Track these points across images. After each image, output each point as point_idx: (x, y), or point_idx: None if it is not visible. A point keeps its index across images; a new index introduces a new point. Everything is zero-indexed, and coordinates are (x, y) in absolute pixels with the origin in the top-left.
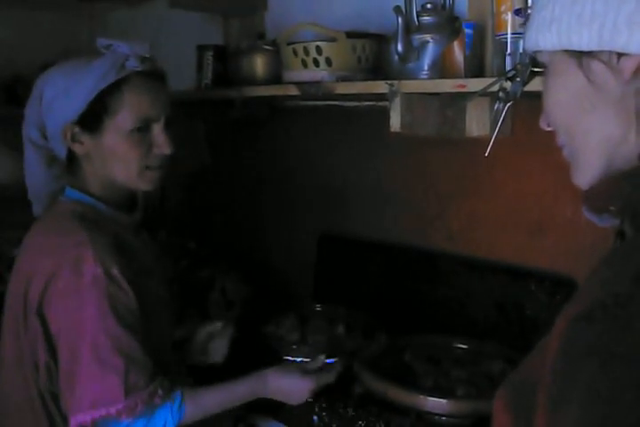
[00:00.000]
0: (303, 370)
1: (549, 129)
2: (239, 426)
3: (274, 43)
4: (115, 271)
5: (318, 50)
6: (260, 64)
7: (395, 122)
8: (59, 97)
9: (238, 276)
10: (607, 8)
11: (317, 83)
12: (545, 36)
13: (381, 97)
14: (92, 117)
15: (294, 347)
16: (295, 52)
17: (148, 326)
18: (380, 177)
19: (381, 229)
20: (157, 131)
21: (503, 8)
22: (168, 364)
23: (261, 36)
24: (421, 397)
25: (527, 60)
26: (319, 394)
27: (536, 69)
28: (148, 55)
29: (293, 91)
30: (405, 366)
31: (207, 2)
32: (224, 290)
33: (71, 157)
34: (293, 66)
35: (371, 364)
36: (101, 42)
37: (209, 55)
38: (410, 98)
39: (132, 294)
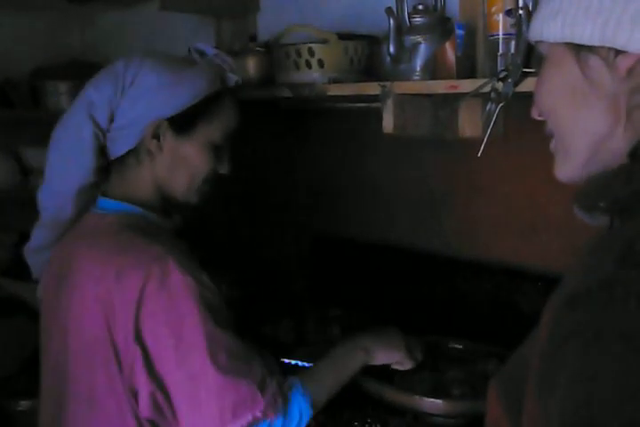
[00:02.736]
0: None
1: (540, 118)
2: None
3: (266, 45)
4: (204, 277)
5: (310, 51)
6: (252, 66)
7: (387, 123)
8: (158, 89)
9: (233, 277)
10: (614, 5)
11: (310, 84)
12: (549, 27)
13: (374, 98)
14: (188, 119)
15: (290, 348)
16: (287, 54)
17: None
18: (373, 178)
19: (376, 230)
20: (226, 150)
21: (494, 9)
22: None
23: (253, 37)
24: (417, 397)
25: (519, 61)
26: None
27: (527, 70)
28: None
29: (286, 92)
30: None
31: (199, 4)
32: (220, 292)
33: (129, 154)
34: (286, 68)
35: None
36: (198, 46)
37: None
38: (402, 99)
39: (220, 295)
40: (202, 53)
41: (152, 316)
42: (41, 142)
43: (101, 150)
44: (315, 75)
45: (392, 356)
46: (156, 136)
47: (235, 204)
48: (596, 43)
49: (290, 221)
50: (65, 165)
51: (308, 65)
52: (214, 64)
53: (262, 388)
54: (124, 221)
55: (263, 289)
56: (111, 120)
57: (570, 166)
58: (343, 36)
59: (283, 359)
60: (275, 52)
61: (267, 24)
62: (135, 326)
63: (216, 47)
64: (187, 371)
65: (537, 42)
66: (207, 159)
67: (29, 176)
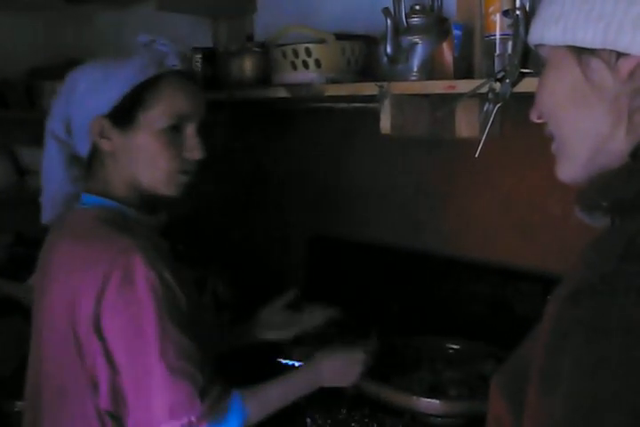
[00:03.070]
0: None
1: (539, 121)
2: None
3: (263, 45)
4: (167, 275)
5: (307, 52)
6: (249, 66)
7: (385, 123)
8: (93, 88)
9: (229, 278)
10: (616, 8)
11: (307, 85)
12: (550, 31)
13: (371, 99)
14: (126, 112)
15: (287, 348)
16: (284, 54)
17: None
18: (370, 178)
19: (373, 231)
20: (190, 133)
21: (491, 9)
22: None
23: (250, 38)
24: (414, 398)
25: (516, 62)
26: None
27: (525, 70)
28: (187, 54)
29: (283, 93)
30: (398, 366)
31: (195, 4)
32: (215, 292)
33: (93, 156)
34: (283, 68)
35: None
36: (142, 38)
37: (198, 58)
38: (400, 99)
39: (183, 296)
40: (150, 43)
41: (111, 308)
42: (37, 143)
43: (75, 157)
44: (312, 75)
45: (342, 384)
46: (104, 135)
47: (232, 204)
48: (597, 46)
49: (287, 221)
50: (46, 176)
51: (306, 65)
52: (153, 51)
53: (202, 394)
54: (102, 215)
55: (260, 289)
56: (69, 129)
57: (571, 167)
58: (340, 37)
59: (280, 360)
60: (272, 53)
61: (264, 24)
62: (95, 317)
63: (213, 48)
64: (138, 365)
65: (537, 45)
66: (163, 148)
67: (25, 176)
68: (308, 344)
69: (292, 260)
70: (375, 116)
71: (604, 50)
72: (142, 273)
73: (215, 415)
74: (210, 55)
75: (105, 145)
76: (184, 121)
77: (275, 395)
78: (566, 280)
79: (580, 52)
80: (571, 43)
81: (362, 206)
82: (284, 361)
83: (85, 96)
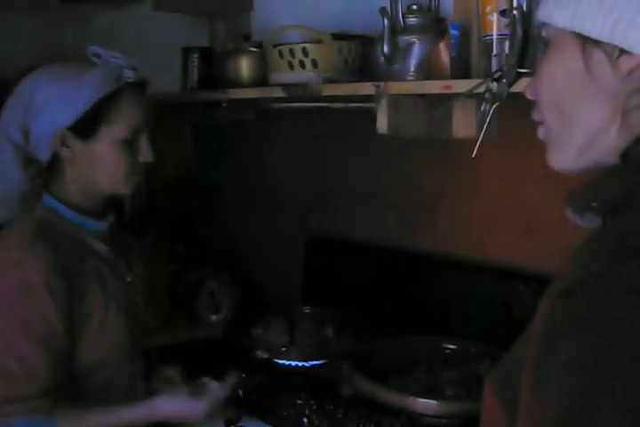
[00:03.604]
0: (193, 392)
1: (533, 98)
2: None
3: (260, 45)
4: (39, 279)
5: (304, 52)
6: (245, 66)
7: (381, 123)
8: (52, 103)
9: (227, 279)
10: (630, 3)
11: (304, 85)
12: (560, 12)
13: (368, 99)
14: (88, 125)
15: (283, 350)
16: (281, 54)
17: (96, 333)
18: (367, 178)
19: (369, 231)
20: (143, 140)
21: (488, 9)
22: (124, 368)
23: (247, 37)
24: (411, 398)
25: (513, 62)
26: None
27: (522, 70)
28: (136, 67)
29: (280, 93)
30: (394, 366)
31: (191, 4)
32: (212, 293)
33: (54, 160)
34: (279, 68)
35: (360, 365)
36: (93, 49)
37: (194, 57)
38: (396, 99)
39: (57, 305)
40: (98, 55)
41: None
42: None
43: (31, 158)
44: (309, 75)
45: (178, 421)
46: (65, 144)
47: (229, 205)
48: (604, 38)
49: (284, 222)
50: (1, 176)
51: (302, 65)
52: (110, 64)
53: (12, 397)
54: (43, 214)
55: (256, 290)
56: (26, 136)
57: (562, 155)
58: (337, 36)
59: (276, 360)
60: (268, 53)
61: (260, 24)
62: None
63: (209, 47)
64: None
65: (543, 23)
66: (121, 155)
67: None
68: (305, 345)
69: (290, 261)
70: (372, 116)
71: (608, 43)
72: (15, 270)
73: (16, 421)
74: (206, 55)
75: (66, 153)
76: (139, 131)
77: (94, 421)
78: (558, 280)
79: (585, 41)
80: (577, 30)
81: (358, 207)
82: (280, 361)
83: (46, 109)
